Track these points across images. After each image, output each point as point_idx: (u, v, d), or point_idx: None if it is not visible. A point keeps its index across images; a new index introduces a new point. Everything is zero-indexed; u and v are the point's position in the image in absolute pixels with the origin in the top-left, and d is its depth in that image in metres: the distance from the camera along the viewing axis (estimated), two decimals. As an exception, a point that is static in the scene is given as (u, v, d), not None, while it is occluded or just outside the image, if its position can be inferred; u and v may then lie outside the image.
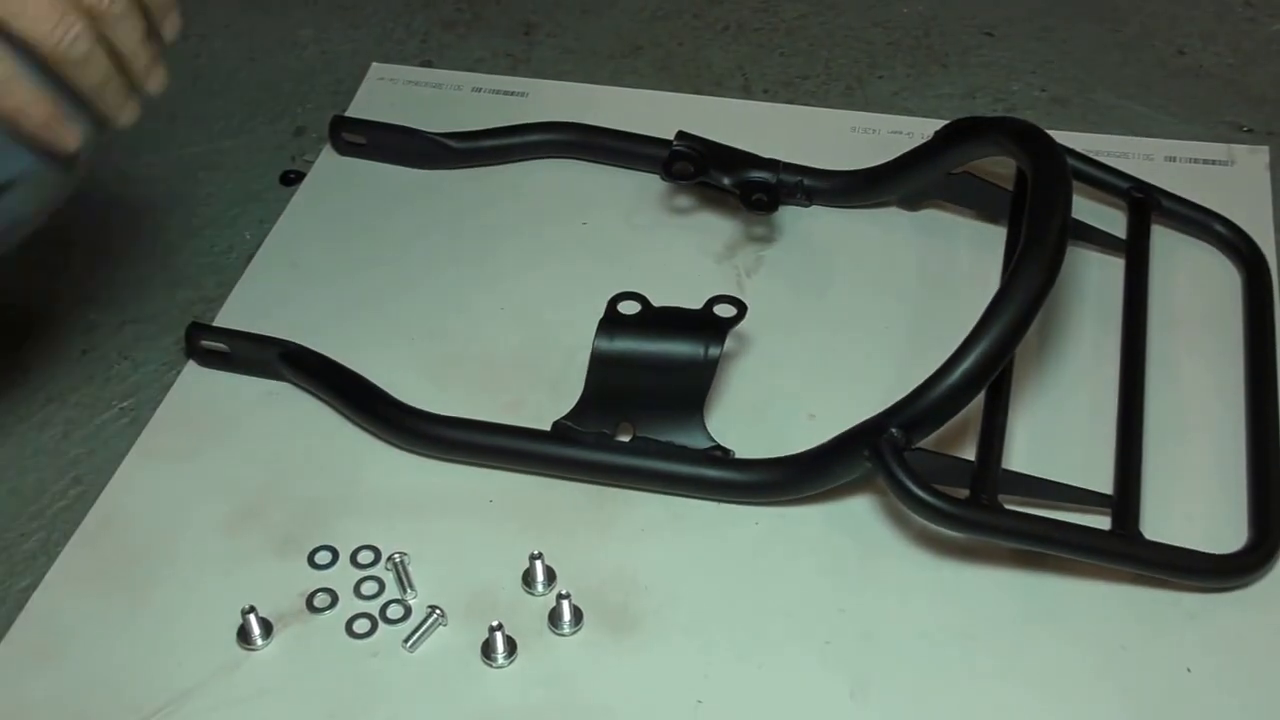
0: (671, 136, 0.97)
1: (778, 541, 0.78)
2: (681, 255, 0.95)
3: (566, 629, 0.73)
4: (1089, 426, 0.82)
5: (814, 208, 0.99)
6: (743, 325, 0.83)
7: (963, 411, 0.75)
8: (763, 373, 0.87)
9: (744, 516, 0.79)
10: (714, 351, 0.81)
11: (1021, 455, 0.80)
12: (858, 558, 0.77)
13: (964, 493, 0.74)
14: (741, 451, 0.80)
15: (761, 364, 0.88)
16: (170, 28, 0.71)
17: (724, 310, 0.83)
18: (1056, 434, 0.82)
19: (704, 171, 0.95)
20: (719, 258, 0.96)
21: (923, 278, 0.94)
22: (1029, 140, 0.85)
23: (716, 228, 0.97)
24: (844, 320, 0.91)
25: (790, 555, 0.77)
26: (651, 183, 0.99)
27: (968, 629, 0.73)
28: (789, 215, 0.98)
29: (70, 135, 0.68)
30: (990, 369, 0.73)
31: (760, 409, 0.85)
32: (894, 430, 0.74)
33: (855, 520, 0.79)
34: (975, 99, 1.11)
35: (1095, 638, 0.73)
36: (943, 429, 0.75)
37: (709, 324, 0.82)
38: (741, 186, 0.95)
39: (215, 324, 0.89)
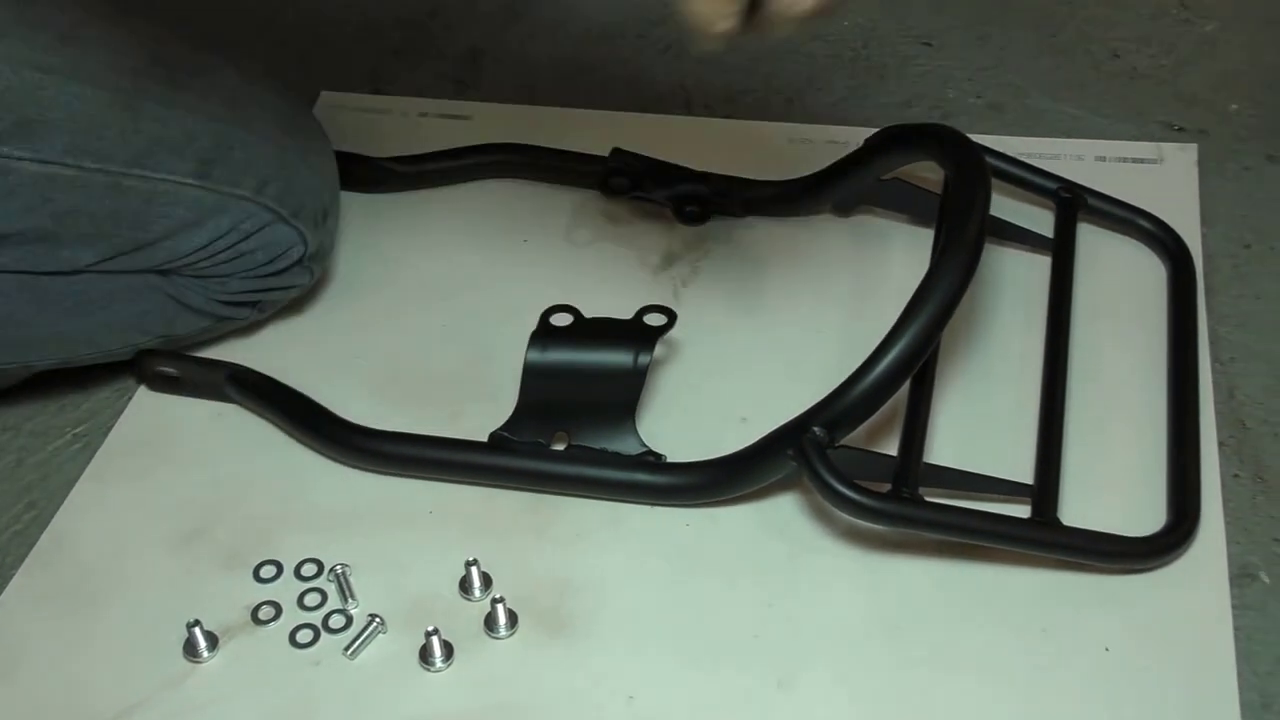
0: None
1: (708, 541, 0.80)
2: (620, 268, 0.97)
3: (502, 632, 0.75)
4: (1014, 419, 0.84)
5: (750, 218, 1.01)
6: (677, 333, 0.85)
7: (894, 407, 0.77)
8: (697, 378, 0.89)
9: (676, 518, 0.81)
10: (644, 360, 0.83)
11: (948, 449, 0.82)
12: (786, 554, 0.79)
13: (888, 487, 0.76)
14: (675, 455, 0.82)
15: (696, 370, 0.90)
16: None
17: (654, 319, 0.85)
18: (982, 427, 0.84)
19: (639, 186, 0.97)
20: (656, 269, 0.98)
21: (856, 281, 0.96)
22: (949, 145, 0.87)
23: (654, 241, 0.99)
24: (777, 325, 0.93)
25: (720, 554, 0.79)
26: (591, 199, 1.01)
27: (894, 619, 0.75)
28: (726, 226, 1.00)
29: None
30: (907, 367, 0.75)
31: (694, 414, 0.87)
32: (816, 429, 0.76)
33: (785, 518, 0.80)
34: (912, 107, 1.13)
35: (1018, 622, 0.74)
36: (877, 425, 0.77)
37: (639, 333, 0.84)
38: (674, 199, 0.97)
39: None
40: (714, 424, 0.85)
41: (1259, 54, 1.12)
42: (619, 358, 0.83)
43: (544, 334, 0.84)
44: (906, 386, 0.80)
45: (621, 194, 0.97)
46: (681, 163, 1.01)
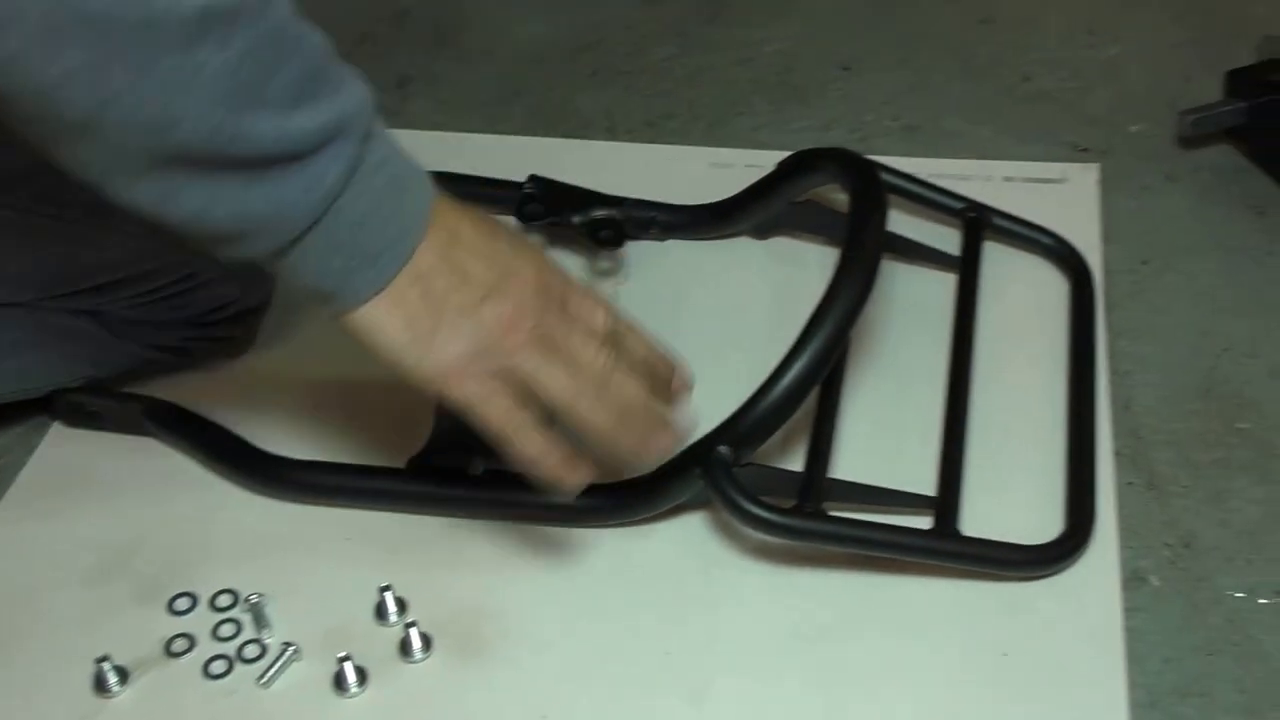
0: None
1: (622, 560, 0.81)
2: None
3: (417, 656, 0.77)
4: (919, 432, 0.86)
5: (670, 241, 1.03)
6: None
7: (805, 422, 0.78)
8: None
9: (590, 539, 0.83)
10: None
11: (855, 463, 0.84)
12: (698, 571, 0.81)
13: (795, 503, 0.78)
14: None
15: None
16: (679, 384, 0.76)
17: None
18: (888, 441, 0.86)
19: (554, 212, 0.99)
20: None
21: (773, 301, 0.98)
22: (849, 167, 0.89)
23: (574, 265, 1.01)
24: (696, 347, 0.93)
25: (635, 573, 0.81)
26: (508, 226, 1.02)
27: (803, 631, 0.77)
28: (646, 250, 1.02)
29: (577, 475, 0.73)
30: (807, 384, 0.77)
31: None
32: (722, 448, 0.77)
33: (698, 535, 0.82)
34: (831, 131, 1.15)
35: (922, 631, 0.76)
36: (793, 440, 0.79)
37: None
38: (589, 224, 0.99)
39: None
40: (631, 445, 0.87)
41: (1160, 76, 1.15)
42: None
43: (459, 360, 0.86)
44: (816, 403, 0.82)
45: (536, 220, 0.99)
46: (604, 188, 1.02)
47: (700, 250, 1.02)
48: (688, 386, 0.76)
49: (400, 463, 0.85)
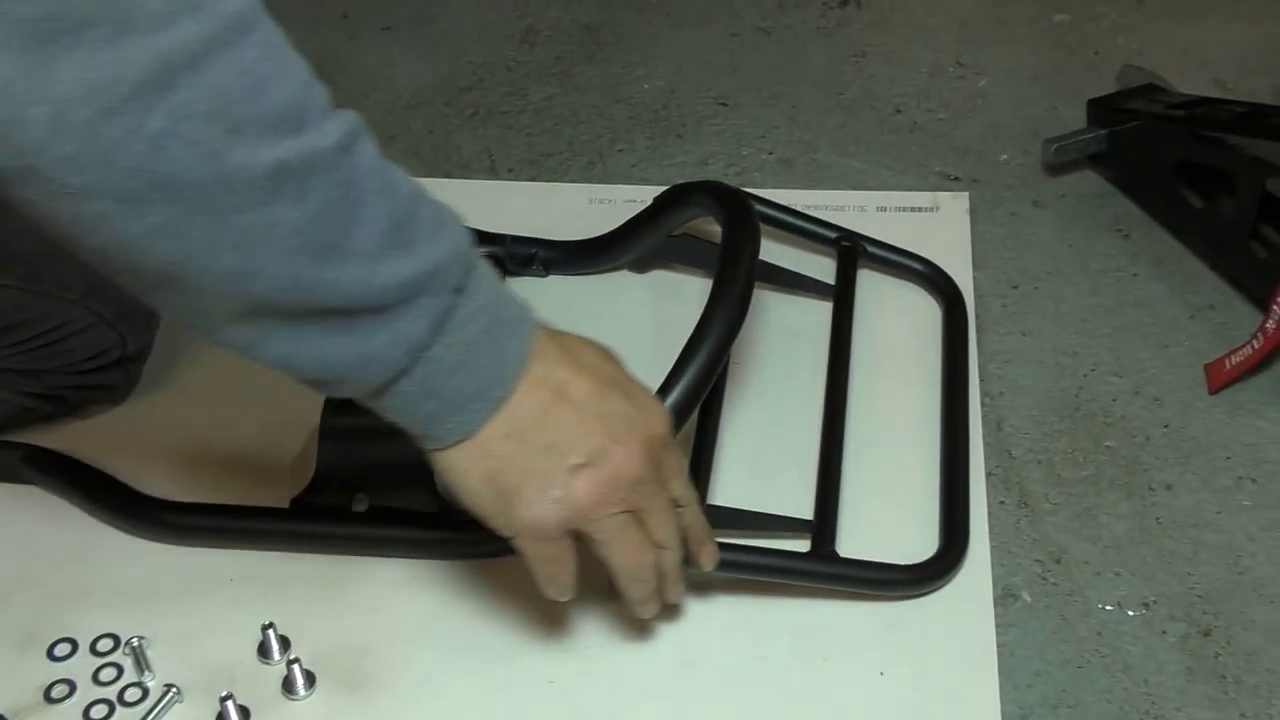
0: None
1: (508, 591, 0.82)
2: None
3: (300, 693, 0.76)
4: (797, 457, 0.87)
5: (551, 277, 1.04)
6: None
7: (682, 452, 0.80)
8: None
9: (477, 571, 0.83)
10: (438, 417, 0.84)
11: (735, 489, 0.85)
12: (583, 600, 0.81)
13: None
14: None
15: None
16: (707, 559, 0.75)
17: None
18: (766, 467, 0.88)
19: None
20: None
21: (653, 335, 0.99)
22: (722, 200, 0.91)
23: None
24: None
25: (519, 603, 0.81)
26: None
27: (686, 657, 0.78)
28: (527, 286, 1.03)
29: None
30: (683, 414, 0.78)
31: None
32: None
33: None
34: (708, 165, 1.17)
35: (801, 653, 0.78)
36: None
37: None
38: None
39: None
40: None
41: (1026, 106, 1.19)
42: (413, 417, 0.84)
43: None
44: (694, 431, 0.83)
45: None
46: (485, 226, 1.03)
47: (581, 285, 1.03)
48: (714, 565, 0.75)
49: (284, 503, 0.84)
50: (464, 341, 0.61)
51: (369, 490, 0.85)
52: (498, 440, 0.63)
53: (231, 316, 0.57)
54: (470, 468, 0.64)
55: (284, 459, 0.89)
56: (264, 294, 0.56)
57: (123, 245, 0.54)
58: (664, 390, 0.78)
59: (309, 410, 0.87)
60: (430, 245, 0.59)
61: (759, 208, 1.01)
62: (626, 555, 0.69)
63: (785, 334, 0.97)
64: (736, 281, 0.82)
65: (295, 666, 0.76)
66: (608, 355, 0.69)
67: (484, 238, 1.01)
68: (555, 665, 0.78)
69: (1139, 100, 1.05)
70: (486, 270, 0.63)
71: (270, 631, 0.78)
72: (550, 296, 1.02)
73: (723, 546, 0.78)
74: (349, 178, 0.56)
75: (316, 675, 0.77)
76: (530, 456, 0.64)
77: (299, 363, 0.60)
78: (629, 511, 0.67)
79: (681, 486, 0.70)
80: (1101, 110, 1.07)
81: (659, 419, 0.68)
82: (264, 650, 0.78)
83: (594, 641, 0.79)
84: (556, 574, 0.69)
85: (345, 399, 0.84)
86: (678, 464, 0.70)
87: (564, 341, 0.67)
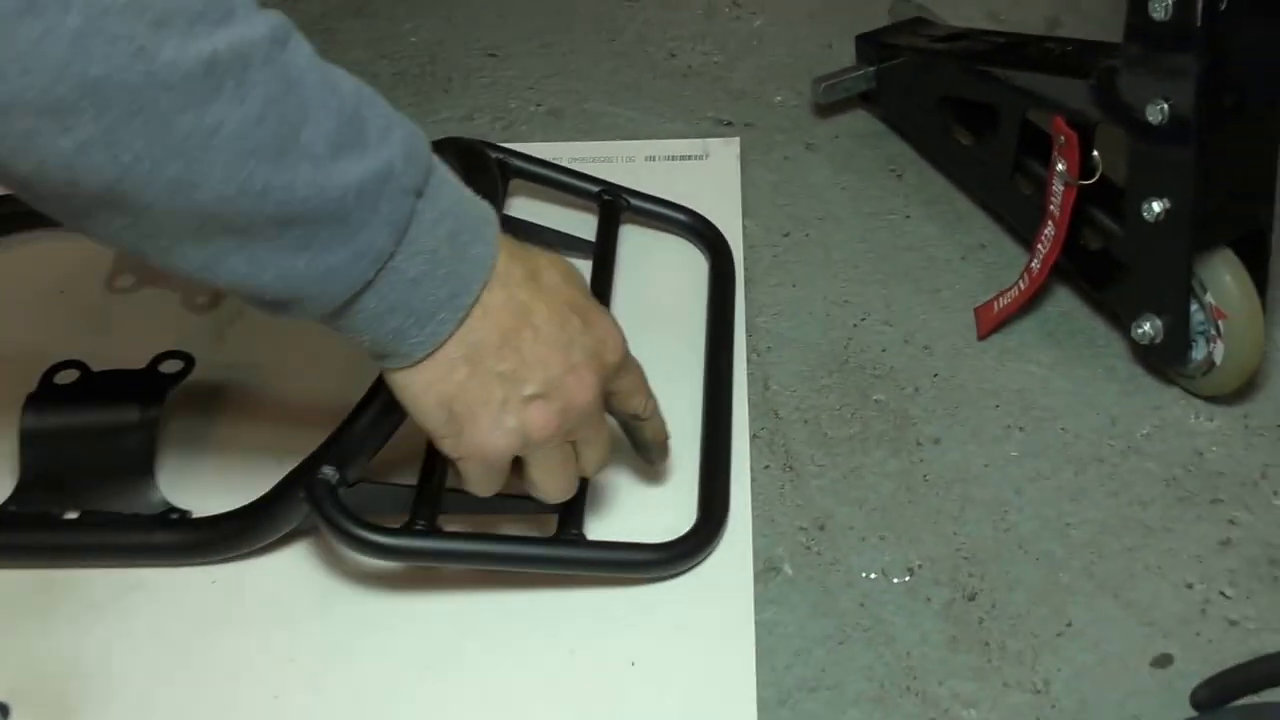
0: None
1: (233, 598, 0.75)
2: (163, 312, 0.92)
3: (-7, 730, 0.69)
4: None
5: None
6: (217, 375, 0.82)
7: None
8: (238, 423, 0.84)
9: (201, 577, 0.76)
10: (152, 413, 0.78)
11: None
12: (315, 602, 0.75)
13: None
14: (210, 509, 0.77)
15: (238, 414, 0.85)
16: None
17: (169, 366, 0.81)
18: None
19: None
20: (203, 309, 0.92)
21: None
22: (462, 154, 0.85)
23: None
24: (315, 360, 0.88)
25: (244, 610, 0.74)
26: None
27: (425, 659, 0.72)
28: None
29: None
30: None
31: (234, 462, 0.82)
32: (326, 469, 0.72)
33: (317, 564, 0.76)
34: (474, 120, 1.10)
35: (546, 646, 0.72)
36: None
37: (151, 383, 0.79)
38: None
39: None
40: (253, 472, 0.80)
41: (800, 45, 1.14)
42: (124, 414, 0.78)
43: (41, 396, 0.78)
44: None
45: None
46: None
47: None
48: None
49: None
50: (428, 250, 0.59)
51: (81, 495, 0.77)
52: (457, 364, 0.62)
53: (182, 234, 0.54)
54: (426, 390, 0.63)
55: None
56: (214, 204, 0.53)
57: (57, 164, 0.50)
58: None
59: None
60: (382, 144, 0.57)
61: (516, 163, 0.96)
62: (555, 482, 0.69)
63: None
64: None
65: (-15, 700, 0.69)
66: (570, 276, 0.68)
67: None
68: (281, 678, 0.71)
69: (905, 35, 1.01)
70: (446, 173, 0.61)
71: (-43, 662, 0.70)
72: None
73: (458, 537, 0.72)
74: (289, 74, 0.53)
75: (11, 707, 0.70)
76: (487, 383, 0.63)
77: (259, 282, 0.57)
78: (571, 435, 0.67)
79: (643, 402, 0.71)
80: (868, 46, 1.02)
81: (615, 346, 0.68)
82: (-46, 683, 0.71)
83: (323, 651, 0.72)
84: (489, 489, 0.68)
85: (50, 397, 0.78)
86: (637, 381, 0.71)
87: (527, 260, 0.65)
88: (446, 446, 0.65)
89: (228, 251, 0.55)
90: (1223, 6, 0.70)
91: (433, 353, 0.61)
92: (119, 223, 0.53)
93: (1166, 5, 0.71)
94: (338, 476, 0.72)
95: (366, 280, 0.58)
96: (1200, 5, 0.69)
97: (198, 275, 0.56)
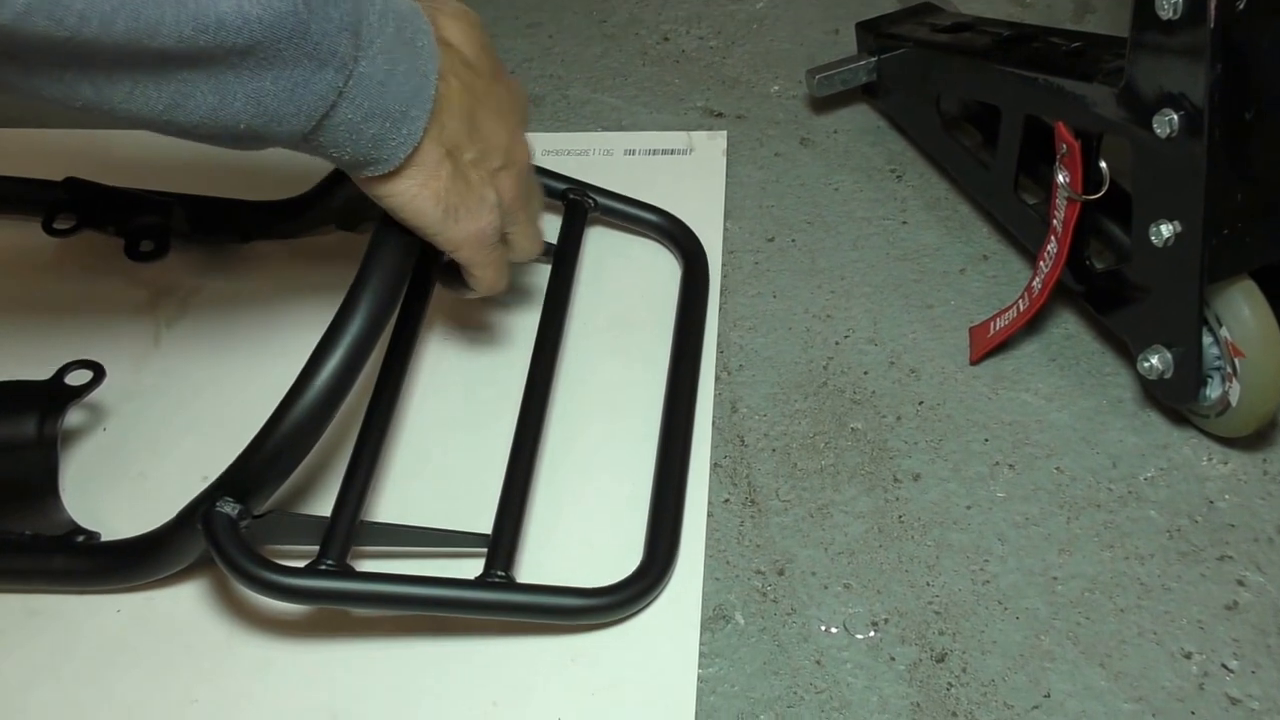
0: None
1: (139, 629, 0.69)
2: (95, 312, 0.85)
3: None
4: (487, 460, 0.74)
5: (256, 242, 0.90)
6: (150, 382, 0.78)
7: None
8: (163, 436, 0.78)
9: (106, 605, 0.70)
10: (51, 428, 0.71)
11: (406, 501, 0.73)
12: (223, 638, 0.69)
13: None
14: (127, 530, 0.71)
15: (166, 426, 0.79)
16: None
17: (77, 377, 0.74)
18: (446, 472, 0.75)
19: (91, 221, 0.85)
20: (140, 309, 0.86)
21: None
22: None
23: (143, 273, 0.87)
24: (268, 364, 0.81)
25: (150, 642, 0.69)
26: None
27: (332, 708, 0.65)
28: (228, 254, 0.89)
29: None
30: (318, 420, 0.65)
31: (157, 479, 0.75)
32: (225, 500, 0.65)
33: (229, 595, 0.70)
34: (449, 106, 1.03)
35: (466, 700, 0.66)
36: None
37: (54, 396, 0.73)
38: (129, 234, 0.85)
39: None
40: (176, 489, 0.73)
41: (804, 31, 1.06)
42: (21, 428, 0.71)
43: (-65, 409, 0.72)
44: (360, 431, 0.70)
45: (68, 233, 0.85)
46: (166, 188, 0.89)
47: (289, 250, 0.90)
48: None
49: None
50: (384, 48, 0.59)
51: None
52: (440, 161, 0.64)
53: (142, 78, 0.53)
54: (421, 191, 0.64)
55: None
56: (174, 46, 0.52)
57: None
58: (293, 392, 0.65)
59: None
60: None
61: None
62: (497, 278, 0.73)
63: (492, 306, 0.84)
64: (373, 273, 0.68)
65: None
66: (483, 40, 0.69)
67: (151, 205, 0.86)
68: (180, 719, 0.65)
69: (908, 23, 0.92)
70: None
71: None
72: (252, 265, 0.89)
73: (370, 578, 0.66)
74: None
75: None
76: (466, 170, 0.66)
77: (231, 111, 0.56)
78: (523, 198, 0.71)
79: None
80: (870, 34, 0.94)
81: (524, 101, 0.72)
82: None
83: (232, 690, 0.66)
84: (498, 277, 0.72)
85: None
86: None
87: (442, 29, 0.65)
88: (444, 239, 0.67)
89: (195, 85, 0.54)
90: (1241, 6, 0.61)
91: (413, 154, 0.62)
92: (74, 76, 0.52)
93: (1175, 4, 0.62)
94: (238, 509, 0.65)
95: (337, 90, 0.58)
96: (1213, 4, 0.60)
97: (167, 119, 0.55)
